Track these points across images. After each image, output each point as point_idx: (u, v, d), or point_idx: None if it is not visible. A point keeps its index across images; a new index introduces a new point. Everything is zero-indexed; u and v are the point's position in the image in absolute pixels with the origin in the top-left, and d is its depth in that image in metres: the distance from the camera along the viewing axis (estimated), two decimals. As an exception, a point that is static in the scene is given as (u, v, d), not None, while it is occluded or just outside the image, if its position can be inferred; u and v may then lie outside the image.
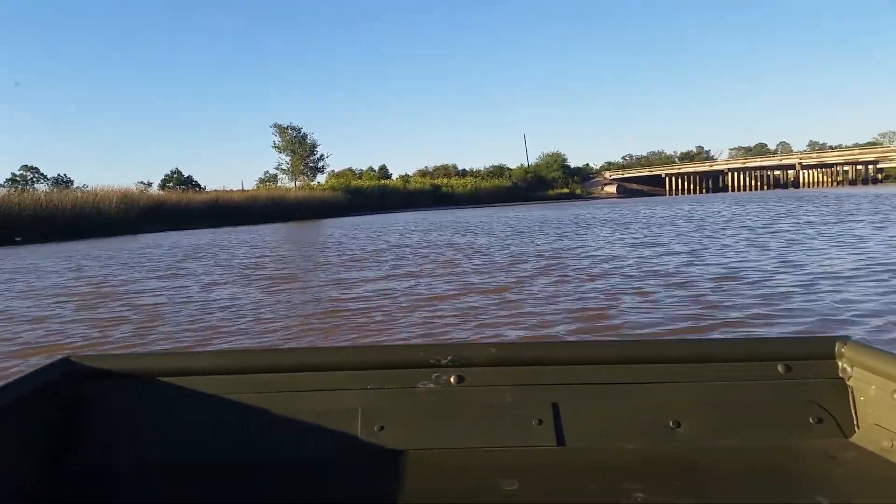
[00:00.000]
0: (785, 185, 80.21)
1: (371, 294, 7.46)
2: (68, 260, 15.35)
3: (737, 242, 12.13)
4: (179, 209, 38.28)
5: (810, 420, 1.25)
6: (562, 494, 1.07)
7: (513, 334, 5.01)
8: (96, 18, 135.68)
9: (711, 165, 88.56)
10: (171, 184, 68.90)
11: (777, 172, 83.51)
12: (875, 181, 74.57)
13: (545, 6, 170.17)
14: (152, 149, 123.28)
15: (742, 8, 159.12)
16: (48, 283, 10.46)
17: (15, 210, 27.10)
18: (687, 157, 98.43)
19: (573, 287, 7.28)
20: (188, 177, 74.73)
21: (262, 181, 63.35)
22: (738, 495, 1.06)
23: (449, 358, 1.31)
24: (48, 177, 61.33)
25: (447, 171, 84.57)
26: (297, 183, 61.53)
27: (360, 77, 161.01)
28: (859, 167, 77.12)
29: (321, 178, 65.41)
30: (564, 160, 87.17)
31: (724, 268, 8.37)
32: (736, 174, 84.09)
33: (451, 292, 7.30)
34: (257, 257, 13.95)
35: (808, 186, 75.37)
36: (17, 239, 25.73)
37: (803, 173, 78.12)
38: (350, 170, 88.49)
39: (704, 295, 6.30)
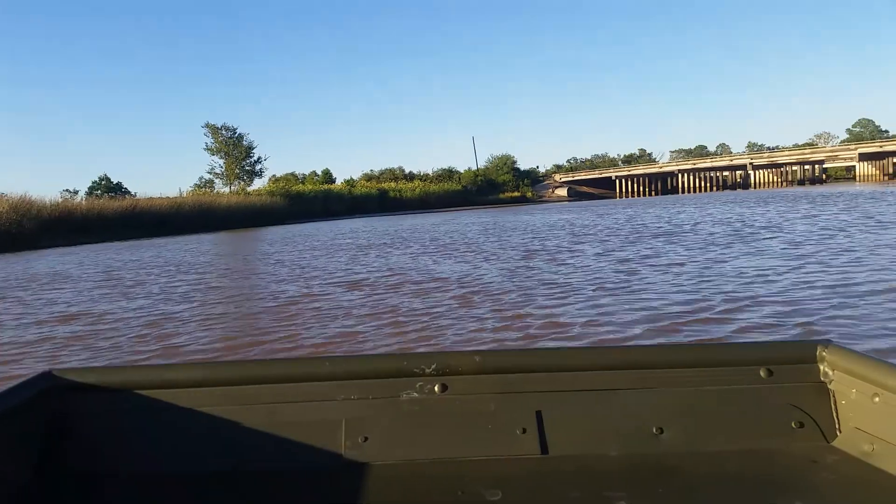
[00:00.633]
0: (734, 187, 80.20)
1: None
2: None
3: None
4: (90, 219, 33.80)
5: (792, 424, 1.25)
6: (546, 503, 1.08)
7: None
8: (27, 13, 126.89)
9: (662, 167, 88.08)
10: (99, 191, 63.64)
11: (726, 173, 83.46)
12: (821, 181, 75.05)
13: (488, 8, 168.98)
14: (83, 156, 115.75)
15: (681, 12, 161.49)
16: None
17: None
18: (630, 160, 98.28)
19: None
20: (117, 183, 69.44)
21: (197, 187, 58.53)
22: (721, 500, 1.08)
23: (433, 367, 1.30)
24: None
25: (394, 174, 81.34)
26: (233, 188, 57.14)
27: (302, 80, 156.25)
28: (807, 167, 77.49)
29: (261, 183, 61.24)
30: (514, 163, 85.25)
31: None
32: (686, 176, 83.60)
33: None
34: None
35: (759, 187, 75.13)
36: None
37: (754, 174, 77.97)
38: (293, 174, 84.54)
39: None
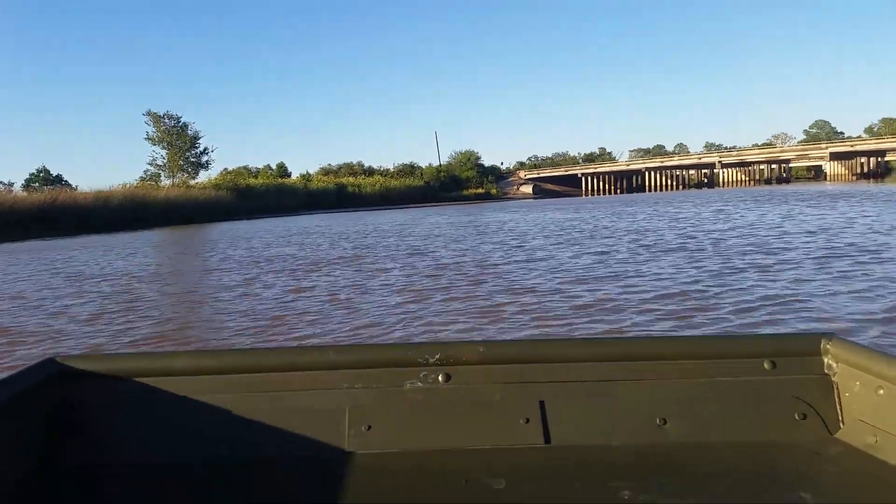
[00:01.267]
0: (699, 185, 78.89)
1: None
2: None
3: None
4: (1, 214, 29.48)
5: (795, 416, 1.25)
6: (549, 493, 1.08)
7: None
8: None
9: (628, 165, 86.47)
10: (37, 184, 58.43)
11: (692, 172, 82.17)
12: (787, 181, 74.13)
13: (448, 4, 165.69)
14: (20, 147, 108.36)
15: (639, 13, 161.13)
16: None
17: None
18: (591, 158, 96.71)
19: None
20: (57, 175, 64.08)
21: (142, 180, 53.69)
22: (724, 492, 1.08)
23: (437, 357, 1.30)
24: None
25: (353, 169, 77.52)
26: (175, 181, 52.59)
27: (256, 71, 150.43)
28: (773, 166, 76.56)
29: (209, 176, 56.64)
30: (478, 159, 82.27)
31: None
32: (653, 174, 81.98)
33: None
34: None
35: (726, 186, 73.73)
36: None
37: (722, 172, 76.63)
38: (245, 168, 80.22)
39: None
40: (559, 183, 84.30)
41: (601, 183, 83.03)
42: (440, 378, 1.29)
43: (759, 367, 1.30)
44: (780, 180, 74.25)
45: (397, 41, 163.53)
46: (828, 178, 67.11)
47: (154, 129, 55.09)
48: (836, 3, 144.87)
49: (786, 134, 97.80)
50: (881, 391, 1.18)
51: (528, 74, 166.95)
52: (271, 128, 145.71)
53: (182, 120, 55.34)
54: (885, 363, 1.18)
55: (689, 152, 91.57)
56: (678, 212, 23.65)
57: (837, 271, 7.83)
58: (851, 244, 10.53)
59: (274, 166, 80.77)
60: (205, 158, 56.30)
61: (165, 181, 52.79)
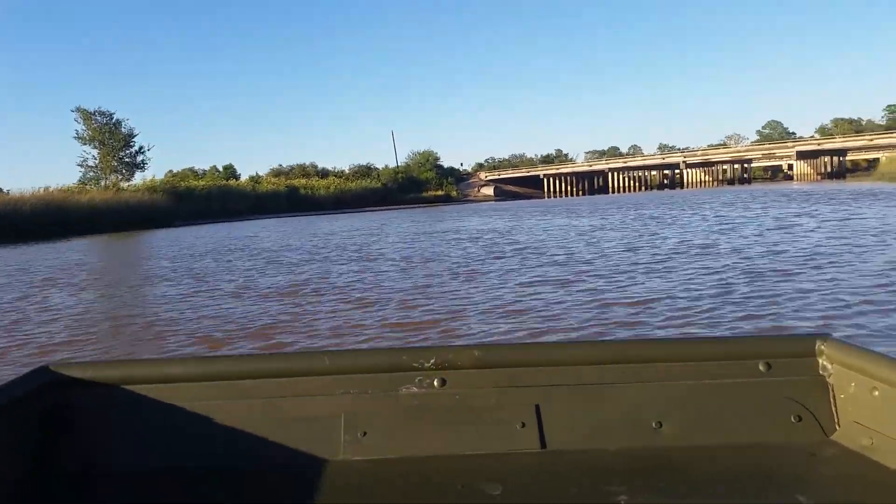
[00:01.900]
0: (661, 187, 77.52)
1: None
2: None
3: None
4: None
5: (791, 418, 1.25)
6: (545, 498, 1.08)
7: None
8: None
9: (591, 165, 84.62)
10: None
11: (654, 173, 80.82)
12: (748, 181, 73.07)
13: (401, 5, 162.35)
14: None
15: (589, 15, 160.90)
16: None
17: None
18: (548, 160, 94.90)
19: None
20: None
21: (82, 183, 48.55)
22: (720, 494, 1.08)
23: (432, 361, 1.29)
24: None
25: (306, 170, 73.47)
26: (108, 182, 47.72)
27: (204, 70, 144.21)
28: (736, 166, 75.58)
29: (143, 177, 51.65)
30: (437, 159, 79.04)
31: None
32: (617, 175, 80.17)
33: None
34: None
35: (691, 187, 72.24)
36: None
37: (687, 173, 75.18)
38: (191, 170, 75.09)
39: None
40: (521, 184, 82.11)
41: (563, 184, 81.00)
42: (435, 383, 1.28)
43: (755, 369, 1.29)
44: (741, 180, 73.22)
45: (351, 41, 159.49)
46: (795, 177, 65.96)
47: (84, 127, 50.19)
48: (789, 4, 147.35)
49: (739, 135, 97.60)
50: (876, 392, 1.17)
51: (484, 75, 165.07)
52: (222, 129, 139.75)
53: (115, 117, 50.61)
54: (881, 364, 1.18)
55: (643, 154, 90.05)
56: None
57: None
58: None
59: (221, 168, 76.04)
60: (140, 158, 51.59)
61: (123, 185, 47.83)
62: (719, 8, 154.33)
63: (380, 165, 76.99)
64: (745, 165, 75.84)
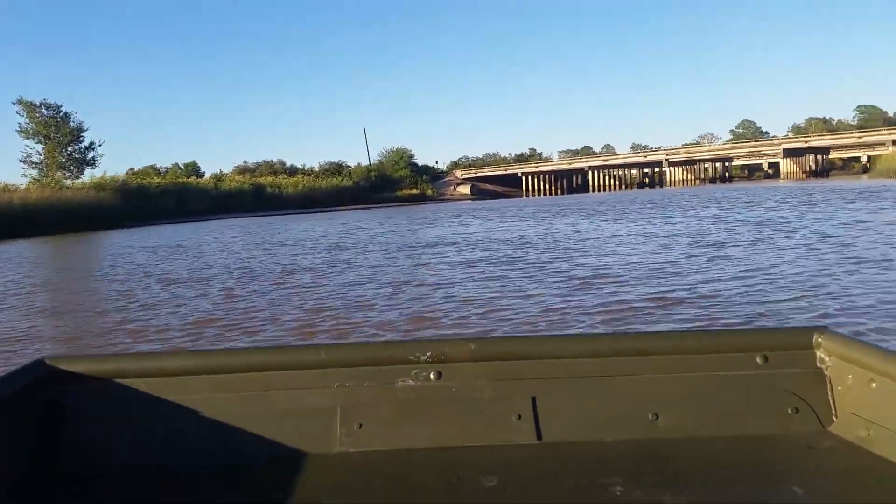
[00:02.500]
0: (642, 185, 75.58)
1: None
2: None
3: None
4: None
5: (788, 410, 1.26)
6: (541, 490, 1.08)
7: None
8: None
9: (571, 164, 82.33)
10: None
11: (634, 171, 78.85)
12: (729, 179, 71.52)
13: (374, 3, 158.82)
14: None
15: (565, 14, 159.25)
16: None
17: None
18: (522, 159, 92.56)
19: None
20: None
21: (35, 180, 44.23)
22: (717, 486, 1.09)
23: (428, 354, 1.30)
24: None
25: (273, 168, 69.93)
26: (52, 180, 43.60)
27: (172, 69, 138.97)
28: (718, 164, 73.90)
29: (92, 174, 47.47)
30: (412, 157, 76.11)
31: None
32: (597, 173, 77.96)
33: None
34: None
35: (674, 185, 70.21)
36: None
37: (669, 171, 73.19)
38: (153, 167, 71.00)
39: None
40: (498, 183, 79.63)
41: (542, 183, 78.71)
42: (431, 376, 1.28)
43: (752, 361, 1.29)
44: (722, 179, 71.61)
45: (322, 40, 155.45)
46: (782, 175, 64.25)
47: (28, 120, 46.10)
48: (760, 5, 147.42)
49: (712, 134, 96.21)
50: (873, 384, 1.18)
51: (456, 75, 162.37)
52: (186, 126, 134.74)
53: (63, 109, 46.58)
54: (878, 356, 1.18)
55: (616, 153, 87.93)
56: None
57: None
58: None
59: (183, 165, 72.02)
60: (91, 155, 47.63)
61: (67, 182, 43.70)
62: (689, 9, 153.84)
63: (352, 164, 73.94)
64: (726, 164, 74.34)
